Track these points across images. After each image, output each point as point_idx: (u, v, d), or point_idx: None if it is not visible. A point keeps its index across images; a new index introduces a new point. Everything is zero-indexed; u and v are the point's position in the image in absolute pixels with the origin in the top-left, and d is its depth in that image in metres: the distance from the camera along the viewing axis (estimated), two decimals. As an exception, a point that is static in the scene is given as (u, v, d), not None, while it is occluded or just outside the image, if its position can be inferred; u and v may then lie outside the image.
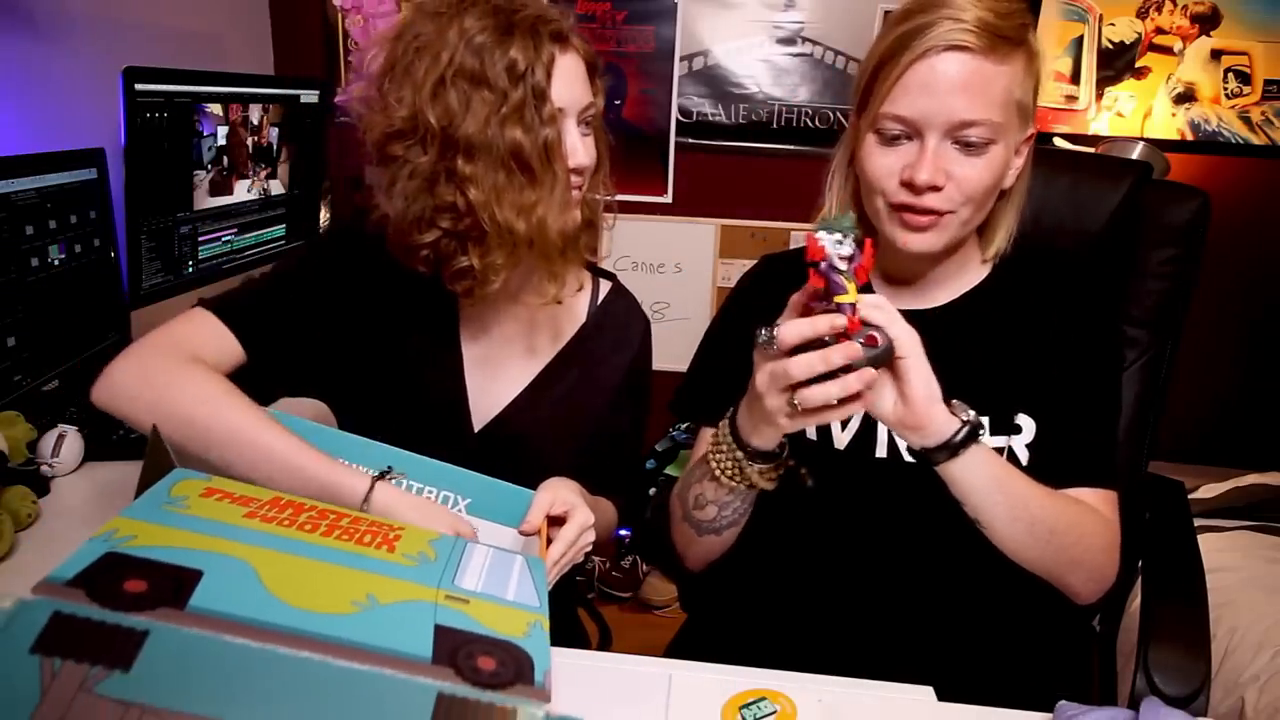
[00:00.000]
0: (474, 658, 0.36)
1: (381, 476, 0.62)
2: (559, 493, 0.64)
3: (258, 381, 0.70)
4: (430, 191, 0.64)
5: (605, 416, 0.78)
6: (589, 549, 0.65)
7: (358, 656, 0.34)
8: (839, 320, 0.52)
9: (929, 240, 0.65)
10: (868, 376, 0.52)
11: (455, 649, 0.36)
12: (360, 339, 0.72)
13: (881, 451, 0.70)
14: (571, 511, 0.63)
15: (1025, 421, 0.69)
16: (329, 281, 0.72)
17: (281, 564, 0.39)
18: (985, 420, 0.68)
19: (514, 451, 0.75)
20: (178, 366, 0.62)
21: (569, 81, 0.65)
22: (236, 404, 0.61)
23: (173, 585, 0.34)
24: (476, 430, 0.74)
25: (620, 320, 0.80)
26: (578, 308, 0.79)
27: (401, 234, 0.67)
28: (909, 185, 0.63)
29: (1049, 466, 0.68)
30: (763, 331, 0.54)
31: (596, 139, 0.71)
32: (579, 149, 0.66)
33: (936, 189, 0.63)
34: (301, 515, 0.45)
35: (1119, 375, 0.75)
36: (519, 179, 0.63)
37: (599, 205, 0.74)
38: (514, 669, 0.36)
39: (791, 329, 0.53)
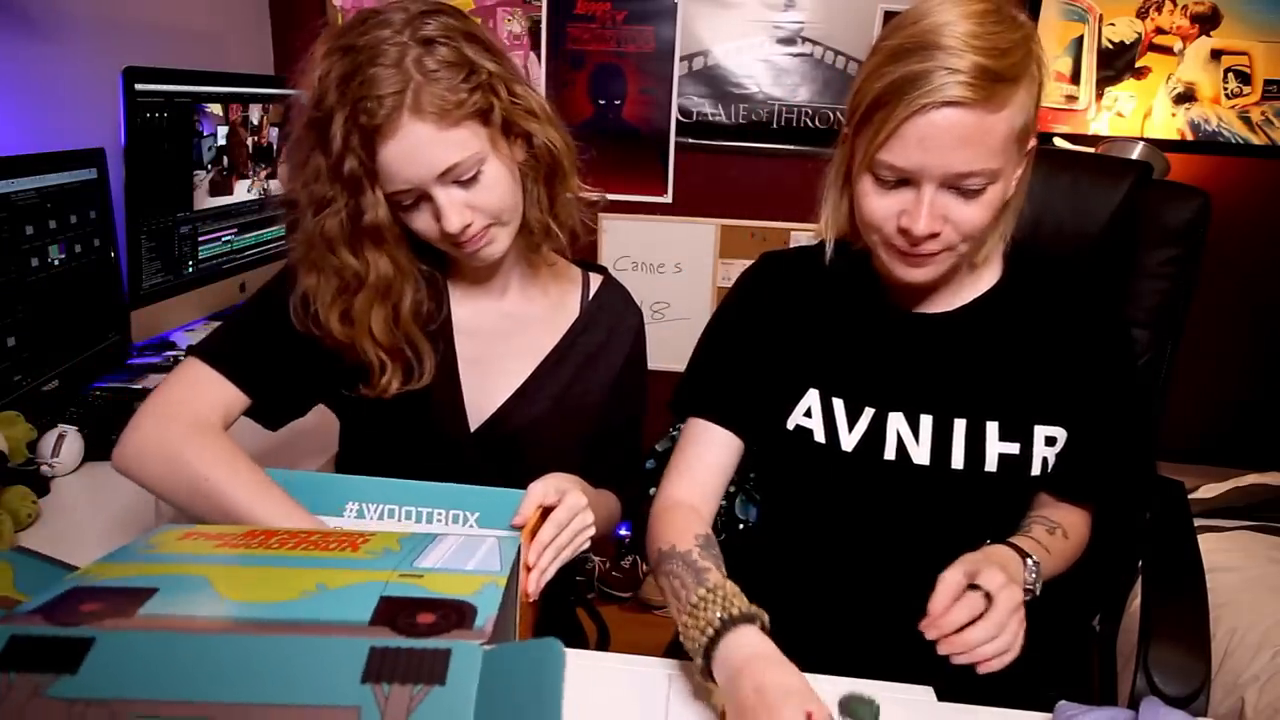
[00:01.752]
0: (414, 615, 0.37)
1: None
2: (552, 483, 0.62)
3: (268, 414, 0.71)
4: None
5: (603, 410, 0.78)
6: (588, 534, 0.63)
7: (296, 629, 0.35)
8: None
9: (927, 273, 0.66)
10: None
11: (396, 612, 0.37)
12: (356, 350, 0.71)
13: (890, 454, 0.70)
14: (563, 496, 0.62)
15: (1056, 432, 0.69)
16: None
17: (237, 574, 0.41)
18: (995, 425, 0.68)
19: (512, 450, 0.74)
20: (186, 436, 0.63)
21: (402, 163, 0.61)
22: (238, 476, 0.62)
23: (125, 601, 0.36)
24: (473, 430, 0.74)
25: (614, 313, 0.79)
26: (570, 303, 0.78)
27: None
28: (905, 232, 0.62)
29: (1073, 480, 0.69)
30: None
31: (528, 149, 0.67)
32: (445, 215, 0.63)
33: (933, 235, 0.62)
34: (272, 539, 0.47)
35: (1142, 393, 0.75)
36: (332, 272, 0.64)
37: (551, 210, 0.71)
38: (454, 620, 0.37)
39: None
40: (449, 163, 0.62)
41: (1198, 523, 0.91)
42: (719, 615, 0.57)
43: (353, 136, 0.60)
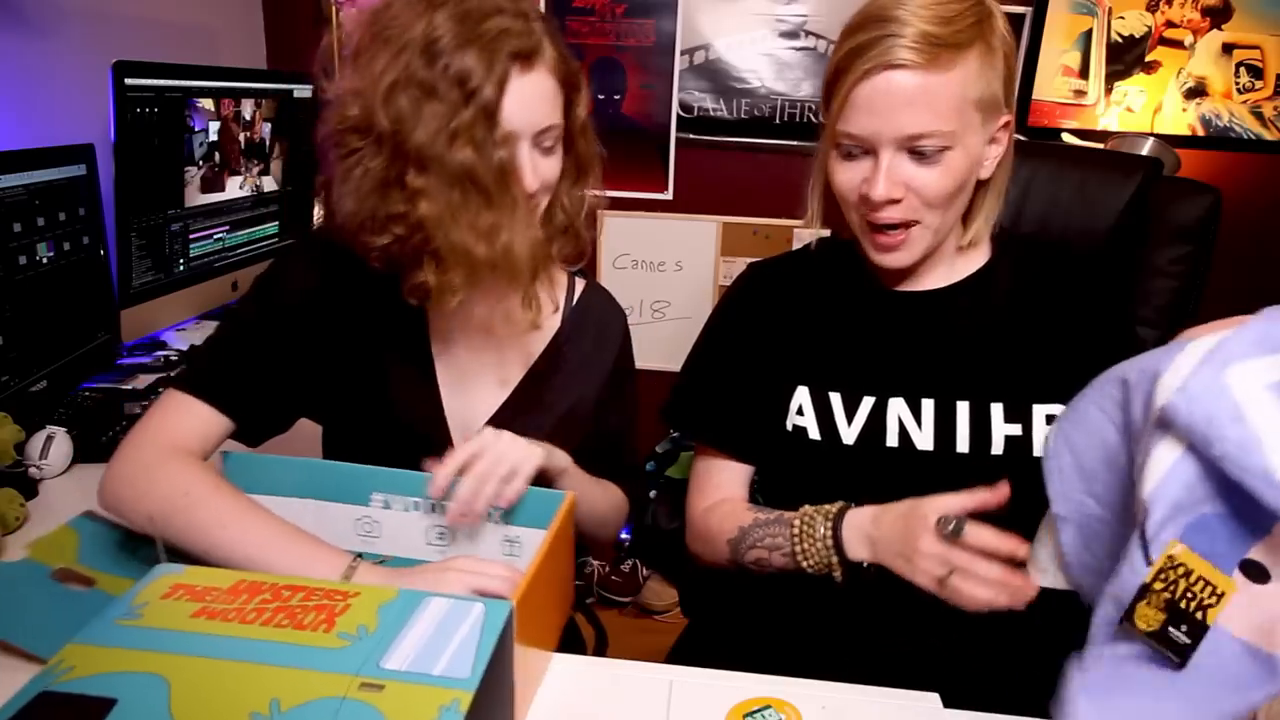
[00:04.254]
0: None
1: (359, 556, 0.60)
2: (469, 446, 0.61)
3: (250, 432, 0.70)
4: (382, 196, 0.61)
5: (595, 417, 0.77)
6: (515, 455, 0.61)
7: None
8: (1021, 550, 0.58)
9: (901, 258, 0.68)
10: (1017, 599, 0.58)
11: None
12: (331, 362, 0.70)
13: (892, 440, 0.69)
14: (477, 450, 0.61)
15: (1057, 410, 0.68)
16: (289, 314, 0.69)
17: (196, 675, 0.41)
18: (1000, 407, 0.69)
19: None
20: (157, 463, 0.62)
21: (524, 103, 0.61)
22: (212, 495, 0.61)
23: None
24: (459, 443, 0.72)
25: (598, 317, 0.78)
26: (552, 310, 0.77)
27: (352, 234, 0.64)
28: (866, 200, 0.65)
29: None
30: (952, 522, 0.58)
31: (575, 149, 0.68)
32: (527, 172, 0.63)
33: (894, 202, 0.64)
34: (253, 601, 0.47)
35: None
36: (475, 200, 0.61)
37: (578, 212, 0.71)
38: None
39: (983, 537, 0.57)
40: (553, 121, 0.64)
41: (1209, 526, 0.89)
42: (823, 527, 0.65)
43: (496, 60, 0.59)
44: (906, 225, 0.66)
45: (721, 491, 0.77)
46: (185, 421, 0.65)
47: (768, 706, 0.57)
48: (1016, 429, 0.68)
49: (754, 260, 0.82)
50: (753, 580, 0.76)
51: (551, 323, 0.76)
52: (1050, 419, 0.68)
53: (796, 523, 0.67)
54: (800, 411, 0.72)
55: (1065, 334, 0.70)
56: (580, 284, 0.79)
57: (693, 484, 0.79)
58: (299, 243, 0.75)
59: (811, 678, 0.60)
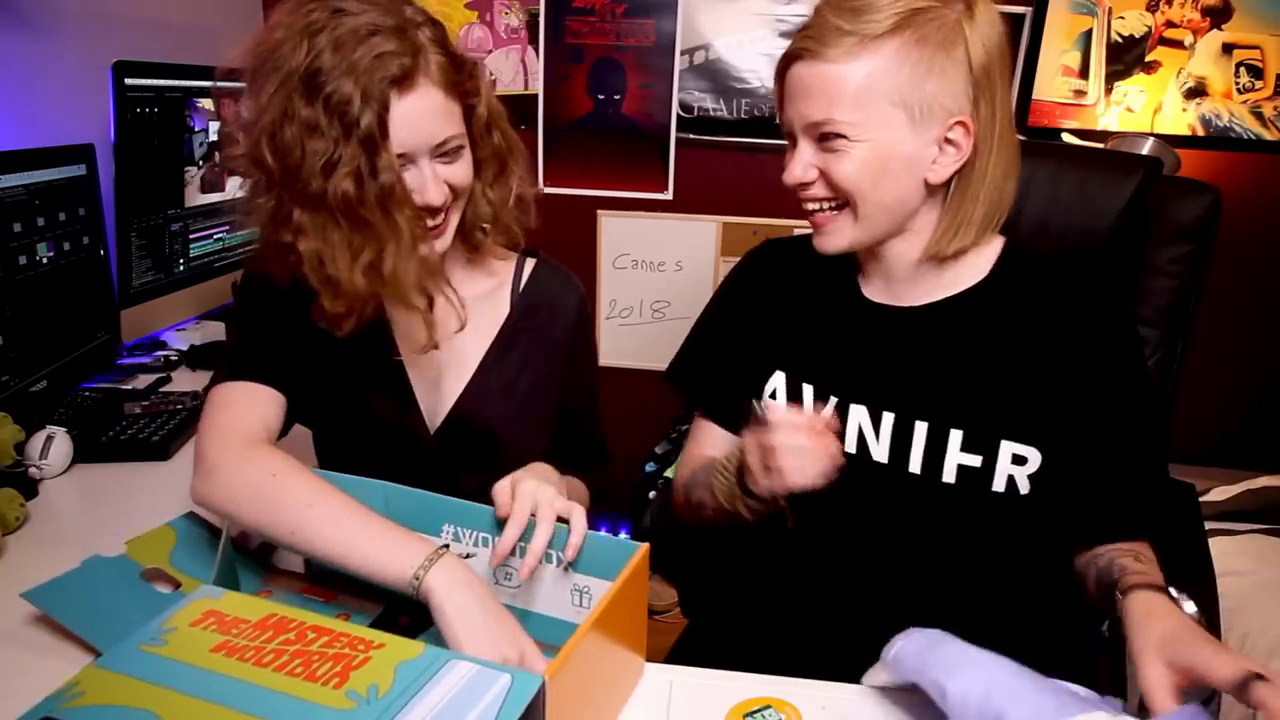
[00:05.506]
0: None
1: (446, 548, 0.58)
2: (518, 484, 0.60)
3: (292, 410, 0.70)
4: (274, 227, 0.63)
5: (558, 393, 0.78)
6: (557, 507, 0.59)
7: None
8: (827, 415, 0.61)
9: (830, 242, 0.68)
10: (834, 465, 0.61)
11: None
12: (303, 358, 0.70)
13: (850, 447, 0.70)
14: (516, 487, 0.60)
15: (1027, 452, 0.66)
16: (263, 306, 0.70)
17: (194, 719, 0.40)
18: (959, 434, 0.66)
19: (475, 445, 0.74)
20: (239, 451, 0.63)
21: (411, 125, 0.61)
22: (297, 474, 0.61)
23: None
24: (434, 430, 0.74)
25: (550, 295, 0.78)
26: (503, 289, 0.77)
27: (259, 256, 0.67)
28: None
29: (1082, 521, 0.66)
30: (761, 408, 0.61)
31: (484, 146, 0.68)
32: (428, 188, 0.63)
33: (804, 185, 0.67)
34: (275, 641, 0.45)
35: (1159, 417, 0.72)
36: (356, 233, 0.61)
37: (503, 203, 0.71)
38: None
39: (780, 410, 0.61)
40: (449, 133, 0.63)
41: (1209, 526, 0.90)
42: (736, 461, 0.67)
43: (372, 88, 0.58)
44: (836, 207, 0.67)
45: (703, 452, 0.79)
46: (248, 410, 0.66)
47: (768, 706, 0.57)
48: (975, 460, 0.65)
49: (772, 237, 0.83)
50: (753, 580, 0.77)
51: (503, 302, 0.76)
52: (1017, 458, 0.65)
53: (721, 459, 0.70)
54: (774, 396, 0.73)
55: (1057, 374, 0.65)
56: (530, 264, 0.79)
57: (683, 452, 0.81)
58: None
59: (811, 678, 0.60)
